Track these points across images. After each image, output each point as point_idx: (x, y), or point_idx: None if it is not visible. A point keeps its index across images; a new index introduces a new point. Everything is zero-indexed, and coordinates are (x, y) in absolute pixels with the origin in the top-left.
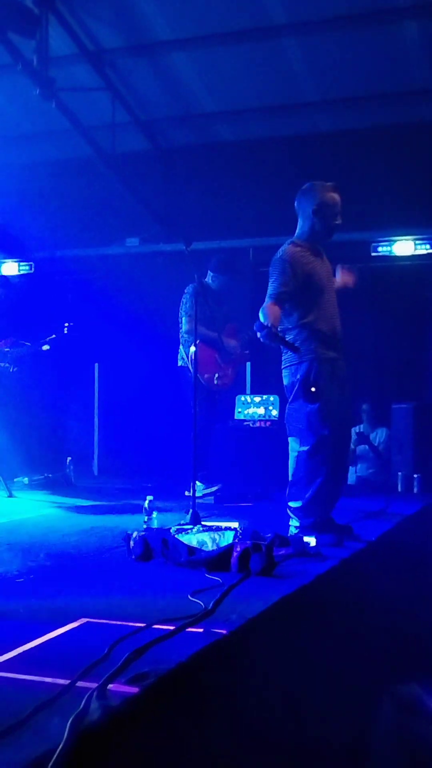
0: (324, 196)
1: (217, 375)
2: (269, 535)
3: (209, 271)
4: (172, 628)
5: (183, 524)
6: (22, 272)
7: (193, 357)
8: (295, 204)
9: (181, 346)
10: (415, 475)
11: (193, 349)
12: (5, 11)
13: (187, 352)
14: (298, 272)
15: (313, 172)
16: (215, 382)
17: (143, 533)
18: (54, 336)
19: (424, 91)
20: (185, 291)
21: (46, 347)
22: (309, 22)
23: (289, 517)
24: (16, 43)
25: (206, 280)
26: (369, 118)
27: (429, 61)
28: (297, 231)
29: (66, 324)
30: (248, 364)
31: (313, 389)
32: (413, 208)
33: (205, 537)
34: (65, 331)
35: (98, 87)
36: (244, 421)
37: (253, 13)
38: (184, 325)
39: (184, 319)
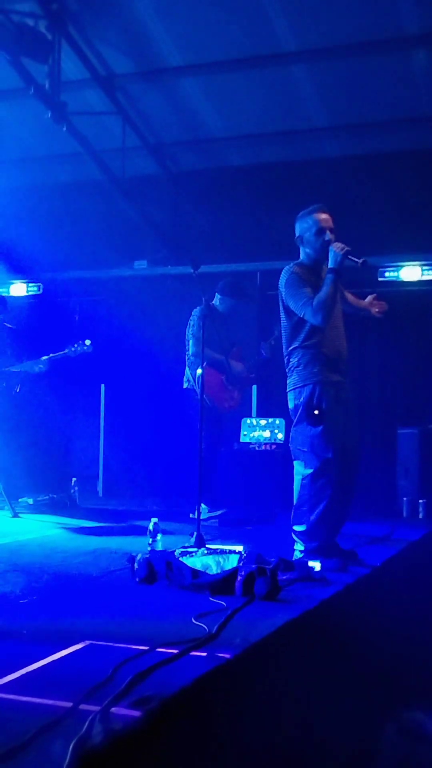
0: (305, 222)
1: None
2: (274, 559)
3: (217, 294)
4: (175, 651)
5: (187, 547)
6: (30, 293)
7: (199, 379)
8: None
9: (187, 368)
10: (421, 501)
11: (199, 371)
12: (19, 36)
13: (193, 374)
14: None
15: (321, 197)
16: (224, 405)
17: (147, 555)
18: (61, 353)
19: (431, 118)
20: (192, 313)
21: (40, 366)
22: (318, 49)
23: (294, 540)
24: (28, 67)
25: (213, 302)
26: (377, 144)
27: None
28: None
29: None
30: (254, 387)
31: (316, 412)
32: (421, 233)
33: (210, 560)
34: (86, 347)
35: (109, 111)
36: (250, 444)
37: (262, 39)
38: (191, 348)
39: (190, 341)
